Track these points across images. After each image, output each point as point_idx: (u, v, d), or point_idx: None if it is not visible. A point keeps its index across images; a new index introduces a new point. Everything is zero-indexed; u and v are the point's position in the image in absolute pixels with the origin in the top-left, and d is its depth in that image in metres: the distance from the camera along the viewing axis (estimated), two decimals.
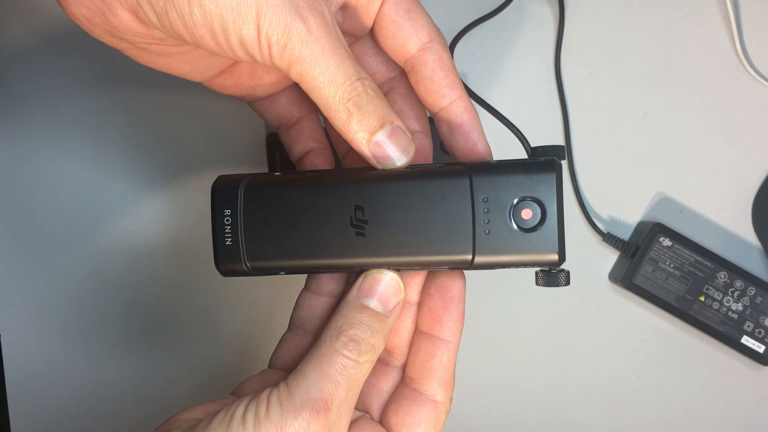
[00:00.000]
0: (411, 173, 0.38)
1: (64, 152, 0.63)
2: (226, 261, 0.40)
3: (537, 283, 0.40)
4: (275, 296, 0.65)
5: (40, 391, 0.65)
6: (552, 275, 0.39)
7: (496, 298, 0.66)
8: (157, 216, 0.63)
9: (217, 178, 0.41)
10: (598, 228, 0.64)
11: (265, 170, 0.60)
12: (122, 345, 0.65)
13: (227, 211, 0.40)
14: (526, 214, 0.37)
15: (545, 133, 0.64)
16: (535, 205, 0.37)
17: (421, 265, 0.39)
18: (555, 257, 0.38)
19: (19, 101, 0.62)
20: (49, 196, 0.63)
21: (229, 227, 0.40)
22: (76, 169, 0.63)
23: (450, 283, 0.40)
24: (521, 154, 0.42)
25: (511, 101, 0.64)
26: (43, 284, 0.64)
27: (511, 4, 0.63)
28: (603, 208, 0.65)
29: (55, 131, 0.63)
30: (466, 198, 0.38)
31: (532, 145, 0.41)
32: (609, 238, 0.64)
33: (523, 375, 0.67)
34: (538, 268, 0.40)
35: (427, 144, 0.44)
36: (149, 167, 0.63)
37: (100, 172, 0.63)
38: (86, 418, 0.65)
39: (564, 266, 0.39)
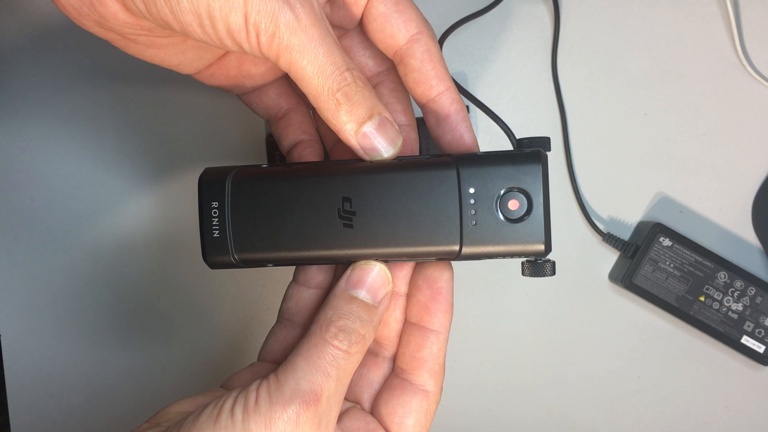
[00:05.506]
0: (398, 165, 0.39)
1: (63, 151, 0.63)
2: (214, 253, 0.40)
3: (523, 273, 0.40)
4: (264, 289, 0.65)
5: (40, 391, 0.65)
6: (538, 265, 0.39)
7: (496, 298, 0.66)
8: (154, 214, 0.64)
9: (204, 170, 0.41)
10: (598, 228, 0.64)
11: None
12: (119, 340, 0.65)
13: (214, 203, 0.40)
14: (513, 204, 0.37)
15: (543, 133, 0.64)
16: (522, 195, 0.37)
17: (408, 256, 0.39)
18: (541, 247, 0.38)
19: (15, 99, 0.63)
20: (48, 196, 0.64)
21: (216, 219, 0.40)
22: (75, 167, 0.63)
23: (438, 274, 0.40)
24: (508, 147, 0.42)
25: (509, 101, 0.64)
26: (43, 284, 0.64)
27: (503, 2, 0.63)
28: (603, 208, 0.65)
29: (53, 129, 0.63)
30: (453, 189, 0.38)
31: (518, 137, 0.41)
32: (609, 238, 0.64)
33: (523, 375, 0.67)
34: (525, 259, 0.40)
35: (413, 137, 0.44)
36: (148, 166, 0.64)
37: (98, 170, 0.63)
38: (82, 413, 0.66)
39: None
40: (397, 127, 0.39)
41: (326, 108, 0.37)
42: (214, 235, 0.40)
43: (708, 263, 0.62)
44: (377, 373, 0.42)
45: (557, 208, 0.64)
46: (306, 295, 0.44)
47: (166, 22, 0.36)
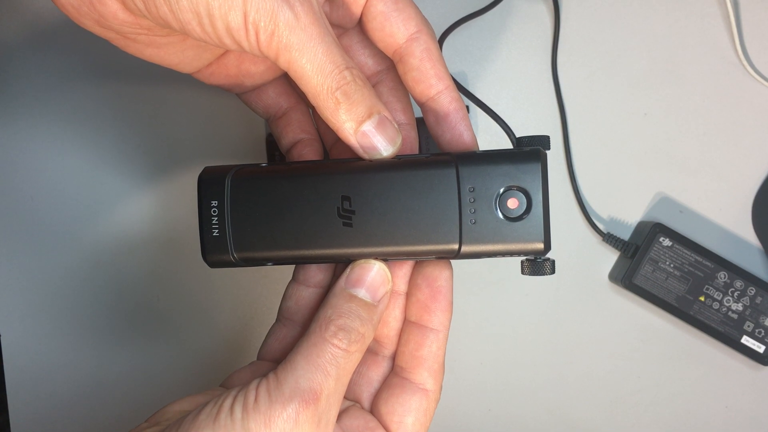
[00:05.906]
0: (398, 163, 0.39)
1: (63, 151, 0.63)
2: (213, 252, 0.40)
3: (523, 272, 0.40)
4: (264, 289, 0.65)
5: (40, 391, 0.65)
6: (538, 264, 0.39)
7: (496, 299, 0.66)
8: (153, 214, 0.64)
9: (204, 169, 0.41)
10: (598, 228, 0.64)
11: None
12: (119, 340, 0.65)
13: (214, 202, 0.40)
14: (512, 203, 0.37)
15: (542, 133, 0.64)
16: (521, 194, 0.37)
17: (408, 255, 0.39)
18: (540, 246, 0.38)
19: (15, 99, 0.63)
20: (48, 196, 0.64)
21: (216, 218, 0.40)
22: (75, 167, 0.63)
23: (437, 273, 0.40)
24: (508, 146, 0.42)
25: (509, 101, 0.64)
26: (43, 284, 0.64)
27: (503, 2, 0.63)
28: (603, 208, 0.65)
29: (53, 129, 0.63)
30: (452, 188, 0.38)
31: (518, 136, 0.41)
32: (609, 238, 0.64)
33: (523, 375, 0.67)
34: (524, 257, 0.40)
35: (413, 136, 0.44)
36: (148, 166, 0.64)
37: (98, 170, 0.63)
38: (82, 413, 0.66)
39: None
40: (396, 125, 0.39)
41: (325, 107, 0.37)
42: (214, 234, 0.40)
43: (708, 263, 0.62)
44: (377, 371, 0.42)
45: (557, 208, 0.64)
46: (305, 294, 0.44)
47: (166, 21, 0.36)
